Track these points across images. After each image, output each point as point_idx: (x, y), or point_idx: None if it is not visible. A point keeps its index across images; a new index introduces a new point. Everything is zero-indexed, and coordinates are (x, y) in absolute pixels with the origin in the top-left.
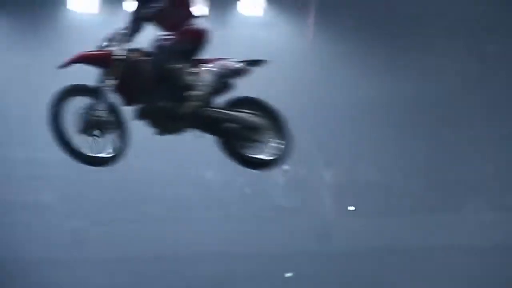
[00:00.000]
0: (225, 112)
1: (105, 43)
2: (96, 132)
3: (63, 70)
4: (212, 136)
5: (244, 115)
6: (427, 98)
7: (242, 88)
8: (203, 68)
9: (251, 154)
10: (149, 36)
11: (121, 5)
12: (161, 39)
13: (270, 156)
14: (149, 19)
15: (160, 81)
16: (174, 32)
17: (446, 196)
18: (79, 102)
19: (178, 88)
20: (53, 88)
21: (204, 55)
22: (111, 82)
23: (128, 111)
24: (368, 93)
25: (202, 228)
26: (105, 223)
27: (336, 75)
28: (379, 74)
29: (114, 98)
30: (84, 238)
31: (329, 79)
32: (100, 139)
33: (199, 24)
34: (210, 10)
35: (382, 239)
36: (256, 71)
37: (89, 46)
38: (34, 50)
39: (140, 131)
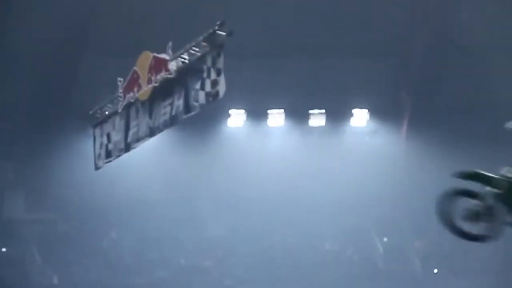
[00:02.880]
0: None
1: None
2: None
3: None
4: None
5: None
6: None
7: None
8: None
9: None
10: None
11: (257, 120)
12: None
13: None
14: None
15: None
16: None
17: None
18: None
19: None
20: None
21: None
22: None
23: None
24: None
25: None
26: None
27: (425, 168)
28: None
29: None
30: None
31: (420, 171)
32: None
33: None
34: (326, 122)
35: None
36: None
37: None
38: (201, 154)
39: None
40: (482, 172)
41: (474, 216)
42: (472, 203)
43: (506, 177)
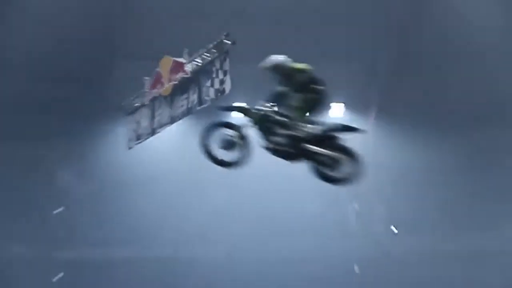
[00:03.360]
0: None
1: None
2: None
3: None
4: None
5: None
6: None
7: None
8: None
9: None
10: None
11: None
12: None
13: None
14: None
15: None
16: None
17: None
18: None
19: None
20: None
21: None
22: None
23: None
24: (414, 163)
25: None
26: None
27: (395, 153)
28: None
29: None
30: None
31: (386, 151)
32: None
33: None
34: None
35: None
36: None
37: None
38: None
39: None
40: (240, 105)
41: (229, 145)
42: (228, 133)
43: (259, 109)
